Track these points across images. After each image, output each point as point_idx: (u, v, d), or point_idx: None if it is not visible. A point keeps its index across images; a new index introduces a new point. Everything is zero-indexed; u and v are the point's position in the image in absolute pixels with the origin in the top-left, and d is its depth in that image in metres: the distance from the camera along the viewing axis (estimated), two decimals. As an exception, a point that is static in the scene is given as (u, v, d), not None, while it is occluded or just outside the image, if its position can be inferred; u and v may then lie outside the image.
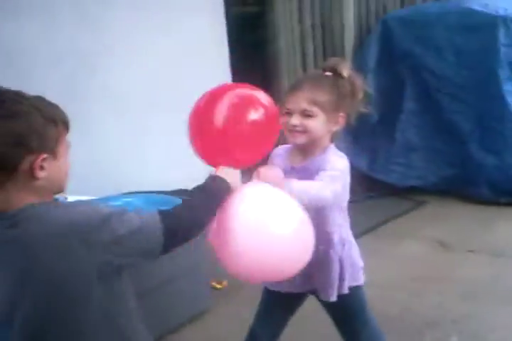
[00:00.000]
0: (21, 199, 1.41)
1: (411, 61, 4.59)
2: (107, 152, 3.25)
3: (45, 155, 1.41)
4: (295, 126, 2.01)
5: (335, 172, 1.97)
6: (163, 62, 3.41)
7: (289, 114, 2.03)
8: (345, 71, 2.05)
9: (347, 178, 2.03)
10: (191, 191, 1.64)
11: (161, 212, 1.49)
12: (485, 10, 4.43)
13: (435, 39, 4.50)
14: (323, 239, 2.03)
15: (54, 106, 1.48)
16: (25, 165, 1.38)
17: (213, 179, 1.68)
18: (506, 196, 4.22)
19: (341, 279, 2.12)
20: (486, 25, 4.35)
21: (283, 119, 2.03)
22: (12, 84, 1.42)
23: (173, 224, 1.49)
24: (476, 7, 4.50)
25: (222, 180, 1.68)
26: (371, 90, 4.51)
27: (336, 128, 2.07)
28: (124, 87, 3.25)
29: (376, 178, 4.53)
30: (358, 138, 4.42)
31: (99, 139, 3.19)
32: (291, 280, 2.05)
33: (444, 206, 4.23)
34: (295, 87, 2.07)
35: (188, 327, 2.95)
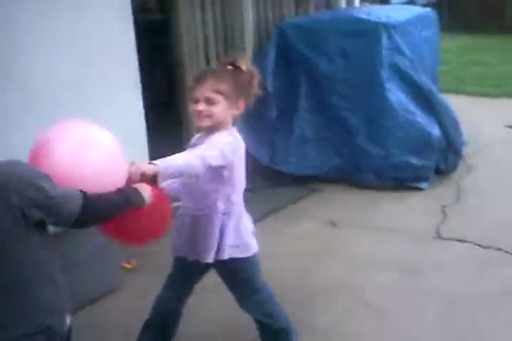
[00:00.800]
0: None
1: (304, 63, 4.90)
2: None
3: None
4: (201, 111, 2.28)
5: (209, 144, 2.23)
6: (75, 63, 3.51)
7: (196, 102, 2.29)
8: (243, 64, 2.34)
9: (234, 150, 2.27)
10: (117, 190, 1.90)
11: (84, 194, 1.77)
12: (369, 17, 4.85)
13: (326, 44, 4.82)
14: (207, 204, 2.33)
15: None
16: None
17: (135, 191, 1.94)
18: (390, 181, 4.61)
19: (220, 244, 2.36)
20: (371, 31, 4.74)
21: (192, 107, 2.31)
22: None
23: (89, 206, 1.77)
24: (362, 15, 4.93)
25: (139, 196, 1.95)
26: (271, 90, 4.91)
27: (237, 112, 2.35)
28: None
29: (276, 169, 4.78)
30: (259, 133, 4.69)
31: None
32: (180, 245, 2.42)
33: (335, 192, 4.60)
34: (199, 79, 2.32)
35: (101, 301, 3.16)
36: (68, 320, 1.85)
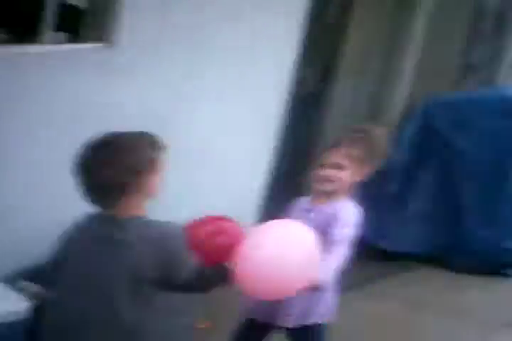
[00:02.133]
0: (128, 211, 1.84)
1: (440, 136, 4.86)
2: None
3: (151, 175, 1.83)
4: (329, 176, 2.34)
5: (346, 230, 2.28)
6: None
7: (323, 167, 2.36)
8: (376, 132, 2.44)
9: (351, 224, 2.33)
10: (212, 271, 2.05)
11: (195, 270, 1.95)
12: None
13: (470, 122, 4.74)
14: None
15: (153, 136, 1.89)
16: (138, 185, 1.81)
17: (224, 273, 2.08)
18: (487, 266, 4.61)
19: (307, 311, 2.45)
20: None
21: (317, 172, 2.37)
22: None
23: (188, 284, 1.96)
24: None
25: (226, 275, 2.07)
26: (399, 160, 4.85)
27: (359, 179, 2.39)
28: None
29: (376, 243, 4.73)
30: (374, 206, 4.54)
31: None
32: (261, 309, 2.50)
33: (427, 271, 4.67)
34: (334, 145, 2.40)
35: None
36: None
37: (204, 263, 2.04)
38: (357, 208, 2.39)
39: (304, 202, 2.51)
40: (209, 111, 3.75)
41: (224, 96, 3.79)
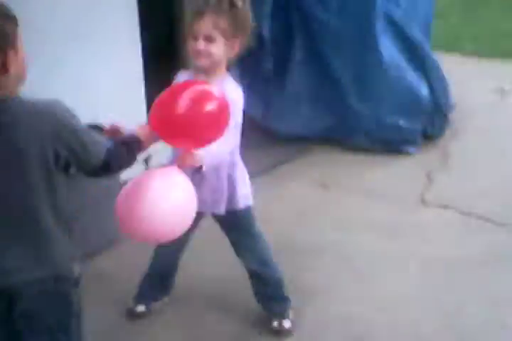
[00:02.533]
0: None
1: (301, 8, 4.64)
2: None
3: (11, 51, 1.63)
4: (200, 50, 2.29)
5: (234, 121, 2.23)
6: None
7: (195, 38, 2.29)
8: (239, 2, 2.33)
9: (240, 106, 2.34)
10: (131, 140, 1.96)
11: (109, 145, 1.83)
12: None
13: None
14: None
15: (2, 4, 1.65)
16: None
17: (138, 138, 1.97)
18: (379, 143, 4.61)
19: (232, 195, 2.49)
20: None
21: (189, 44, 2.31)
22: None
23: (111, 156, 1.83)
24: None
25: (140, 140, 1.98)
26: (267, 34, 4.69)
27: (232, 54, 2.36)
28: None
29: (267, 126, 4.70)
30: (254, 86, 4.53)
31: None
32: None
33: (326, 153, 4.62)
34: (198, 13, 2.31)
35: (101, 254, 3.28)
36: (78, 267, 1.91)
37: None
38: (238, 85, 2.40)
39: (185, 76, 2.47)
40: None
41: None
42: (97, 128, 2.02)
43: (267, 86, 4.80)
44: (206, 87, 2.11)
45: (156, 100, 2.04)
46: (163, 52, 4.61)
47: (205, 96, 2.04)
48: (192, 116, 1.99)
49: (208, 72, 2.36)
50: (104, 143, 1.85)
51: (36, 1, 3.19)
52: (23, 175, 1.72)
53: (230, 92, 2.28)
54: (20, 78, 1.73)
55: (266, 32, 4.65)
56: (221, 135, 2.09)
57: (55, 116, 1.72)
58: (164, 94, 2.05)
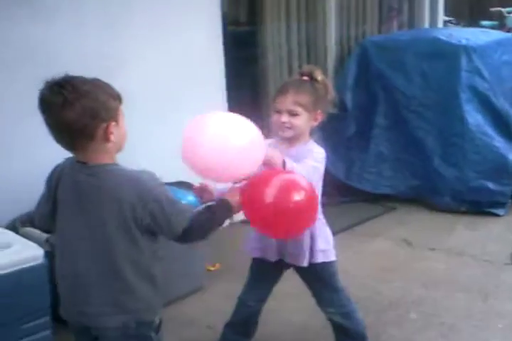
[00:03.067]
0: (97, 157, 1.85)
1: (384, 81, 4.98)
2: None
3: (113, 123, 1.82)
4: (284, 123, 2.38)
5: (316, 163, 2.36)
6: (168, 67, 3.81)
7: (278, 113, 2.40)
8: (319, 75, 2.43)
9: (323, 167, 2.41)
10: (216, 206, 2.00)
11: (193, 214, 1.90)
12: (449, 39, 4.87)
13: (405, 63, 4.89)
14: None
15: (109, 85, 1.86)
16: (100, 131, 1.80)
17: (227, 205, 2.01)
18: (466, 205, 4.60)
19: (312, 250, 2.50)
20: (450, 52, 4.77)
21: (273, 117, 2.42)
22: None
23: (194, 226, 1.89)
24: (442, 37, 4.94)
25: (230, 207, 2.02)
26: (350, 106, 5.01)
27: (315, 123, 2.45)
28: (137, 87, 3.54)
29: (351, 186, 4.87)
30: (336, 148, 4.76)
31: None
32: (268, 250, 2.54)
33: (410, 212, 4.66)
34: (281, 91, 2.42)
35: (185, 300, 3.33)
36: (160, 313, 2.00)
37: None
38: (320, 148, 2.46)
39: (274, 141, 2.52)
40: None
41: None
42: (186, 185, 2.10)
43: (349, 148, 4.99)
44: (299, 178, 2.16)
45: (255, 179, 2.11)
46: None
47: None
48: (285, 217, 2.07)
49: (293, 142, 2.45)
50: (188, 211, 1.91)
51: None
52: (106, 235, 1.86)
53: (316, 153, 2.38)
54: (119, 147, 1.91)
55: (349, 102, 4.98)
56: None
57: (143, 183, 1.84)
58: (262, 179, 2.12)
